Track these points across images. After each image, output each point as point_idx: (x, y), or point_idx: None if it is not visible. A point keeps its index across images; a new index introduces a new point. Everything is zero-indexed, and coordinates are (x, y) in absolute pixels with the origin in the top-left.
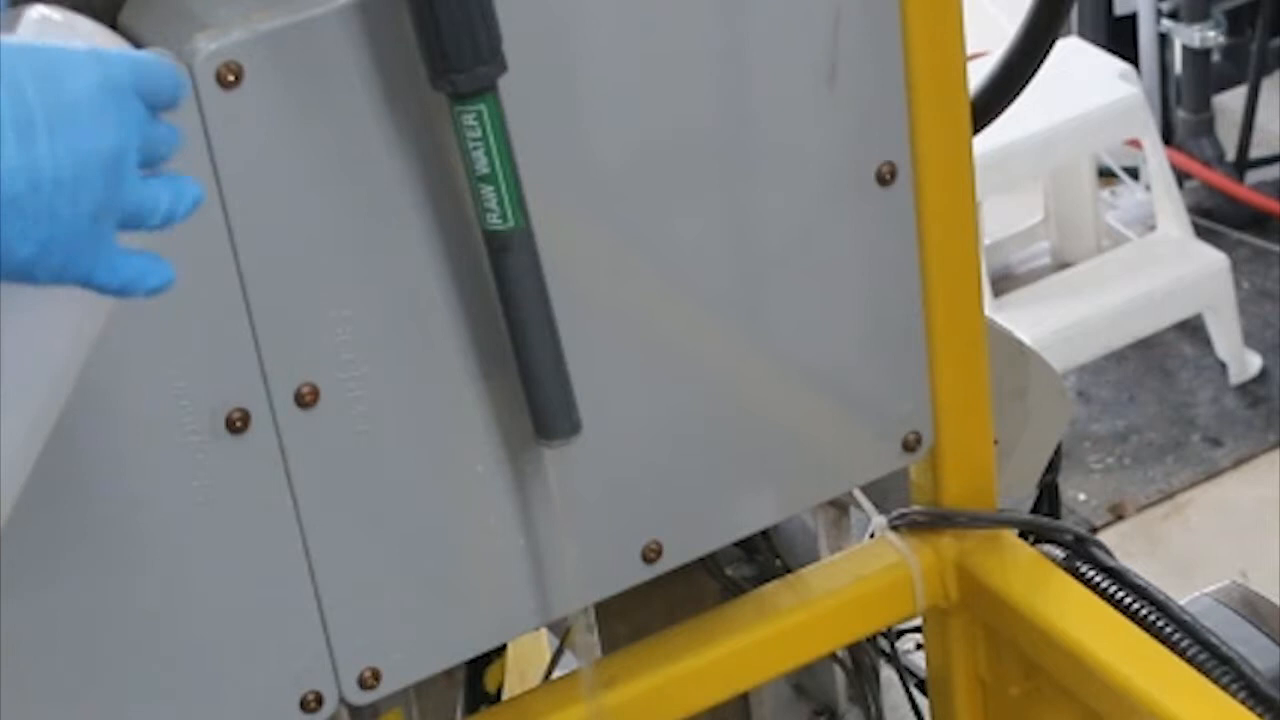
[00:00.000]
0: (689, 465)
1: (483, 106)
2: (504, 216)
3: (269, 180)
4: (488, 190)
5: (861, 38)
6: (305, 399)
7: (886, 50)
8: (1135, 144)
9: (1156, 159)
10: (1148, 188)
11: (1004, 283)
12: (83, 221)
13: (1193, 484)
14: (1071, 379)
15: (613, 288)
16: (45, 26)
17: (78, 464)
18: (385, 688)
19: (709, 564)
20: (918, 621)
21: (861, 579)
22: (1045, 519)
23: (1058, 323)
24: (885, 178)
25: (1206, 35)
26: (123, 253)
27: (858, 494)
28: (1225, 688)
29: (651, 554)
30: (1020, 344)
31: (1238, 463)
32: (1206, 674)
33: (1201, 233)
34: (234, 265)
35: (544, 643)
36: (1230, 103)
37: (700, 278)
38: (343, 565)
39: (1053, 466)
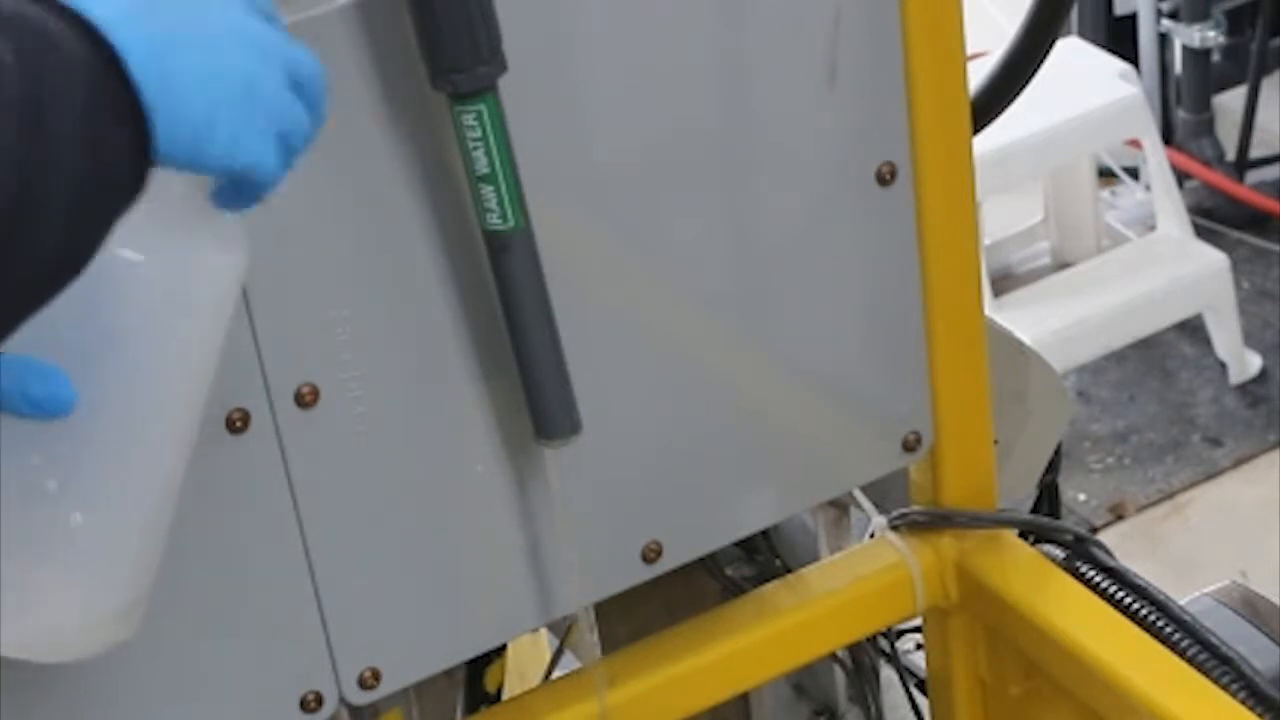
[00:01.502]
0: (689, 465)
1: (483, 106)
2: (504, 216)
3: None
4: (488, 190)
5: (861, 38)
6: (305, 399)
7: (886, 50)
8: (1135, 144)
9: (1156, 159)
10: (1148, 188)
11: (1004, 283)
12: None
13: (1193, 484)
14: (1071, 379)
15: (613, 288)
16: None
17: None
18: (385, 688)
19: (709, 564)
20: (918, 621)
21: (861, 579)
22: (1045, 519)
23: (1058, 323)
24: (885, 178)
25: (1206, 35)
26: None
27: (858, 494)
28: (1225, 688)
29: (651, 554)
30: (1020, 344)
31: (1238, 463)
32: (1206, 674)
33: (1201, 233)
34: None
35: (544, 643)
36: (1230, 103)
37: (700, 278)
38: (343, 565)
39: (1053, 466)
